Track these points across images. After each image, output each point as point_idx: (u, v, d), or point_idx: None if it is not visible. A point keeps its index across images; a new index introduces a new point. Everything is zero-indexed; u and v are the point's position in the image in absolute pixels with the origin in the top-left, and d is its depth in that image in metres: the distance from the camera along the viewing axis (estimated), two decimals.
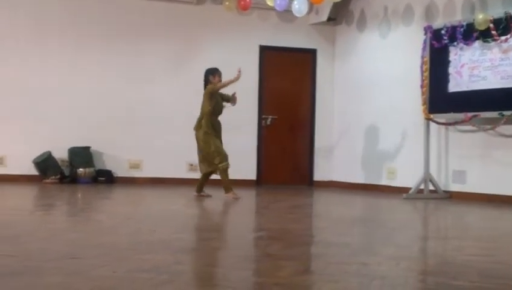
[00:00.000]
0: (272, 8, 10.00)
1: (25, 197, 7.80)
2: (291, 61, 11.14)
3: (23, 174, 9.80)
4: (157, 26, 10.44)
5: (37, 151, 9.80)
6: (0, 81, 9.85)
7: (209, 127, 7.81)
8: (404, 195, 8.53)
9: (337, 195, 9.35)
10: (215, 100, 7.86)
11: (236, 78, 7.65)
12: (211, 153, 7.77)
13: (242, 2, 9.75)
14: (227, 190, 7.84)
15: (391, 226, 5.48)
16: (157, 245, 4.06)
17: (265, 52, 10.93)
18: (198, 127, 7.90)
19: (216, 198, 7.77)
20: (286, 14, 10.22)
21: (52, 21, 10.09)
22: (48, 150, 9.84)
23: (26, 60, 9.95)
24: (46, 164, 9.75)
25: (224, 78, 7.90)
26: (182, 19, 10.54)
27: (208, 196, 7.96)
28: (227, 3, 9.93)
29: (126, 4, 10.35)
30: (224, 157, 7.77)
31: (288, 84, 11.13)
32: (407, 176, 9.16)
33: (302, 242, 4.56)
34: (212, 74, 7.92)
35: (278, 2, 9.40)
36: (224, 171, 7.76)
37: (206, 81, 7.94)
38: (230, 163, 7.82)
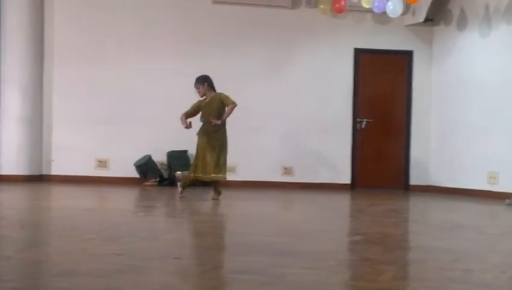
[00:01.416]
0: (367, 10, 9.87)
1: (126, 199, 8.09)
2: (386, 64, 10.95)
3: (124, 177, 10.17)
4: (253, 31, 10.55)
5: (138, 155, 10.14)
6: (104, 87, 10.27)
7: (200, 132, 7.83)
8: (507, 201, 8.18)
9: (435, 200, 9.11)
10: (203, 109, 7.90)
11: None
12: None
13: (337, 5, 9.69)
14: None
15: (494, 233, 5.28)
16: (255, 247, 4.10)
17: (360, 55, 10.80)
18: None
19: (308, 201, 7.73)
20: (381, 16, 10.07)
21: (152, 28, 10.42)
22: (147, 153, 10.16)
23: (127, 66, 10.31)
24: (146, 167, 10.08)
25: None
26: (277, 23, 10.60)
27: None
28: (322, 6, 9.91)
29: (222, 10, 10.52)
30: (192, 169, 7.75)
31: (384, 87, 10.95)
32: (510, 181, 8.79)
33: (400, 247, 4.48)
34: (202, 82, 7.98)
35: (376, 4, 9.24)
36: (184, 177, 7.85)
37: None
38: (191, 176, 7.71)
